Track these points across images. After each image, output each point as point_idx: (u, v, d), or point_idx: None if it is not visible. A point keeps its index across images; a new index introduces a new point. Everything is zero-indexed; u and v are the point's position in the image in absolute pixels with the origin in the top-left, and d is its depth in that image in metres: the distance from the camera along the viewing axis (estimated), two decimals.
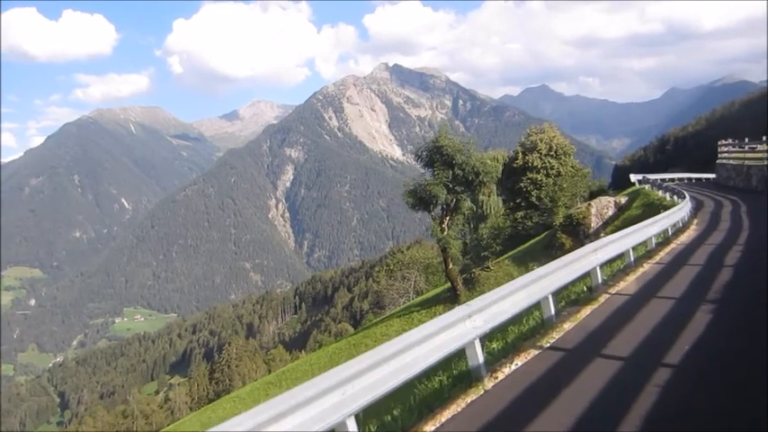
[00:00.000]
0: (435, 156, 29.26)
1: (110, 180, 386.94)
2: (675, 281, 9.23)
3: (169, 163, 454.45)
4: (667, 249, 13.06)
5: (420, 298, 38.92)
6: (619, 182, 68.64)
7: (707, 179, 45.32)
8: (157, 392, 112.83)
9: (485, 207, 49.26)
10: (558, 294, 8.12)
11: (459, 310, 5.65)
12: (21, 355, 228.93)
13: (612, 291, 8.84)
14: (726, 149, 40.16)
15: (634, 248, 11.43)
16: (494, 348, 6.72)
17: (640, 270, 10.55)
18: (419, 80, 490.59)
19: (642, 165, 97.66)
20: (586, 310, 7.83)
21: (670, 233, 15.38)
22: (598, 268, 9.00)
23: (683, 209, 18.24)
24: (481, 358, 5.84)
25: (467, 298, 29.63)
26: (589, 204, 30.90)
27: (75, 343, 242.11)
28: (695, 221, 18.83)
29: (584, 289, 9.06)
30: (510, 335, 7.24)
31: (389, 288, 56.92)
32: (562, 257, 8.09)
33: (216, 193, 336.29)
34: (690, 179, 47.99)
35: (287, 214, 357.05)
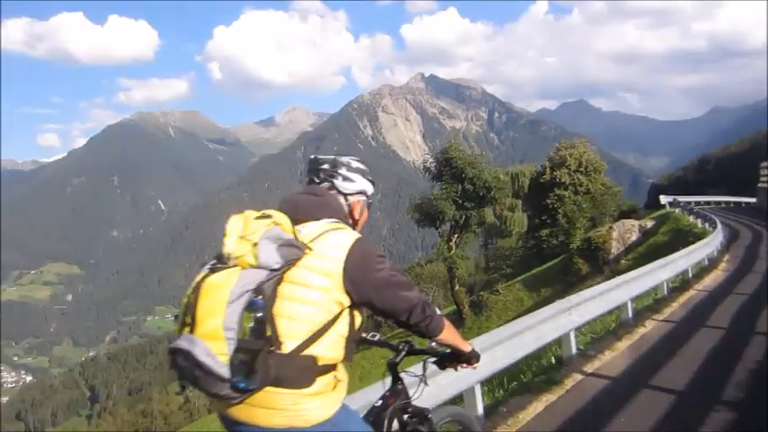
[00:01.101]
0: (444, 168, 27.12)
1: (148, 182, 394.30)
2: (684, 357, 6.58)
3: (205, 167, 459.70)
4: (683, 299, 10.27)
5: None
6: (655, 201, 65.13)
7: (746, 204, 41.76)
8: (183, 391, 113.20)
9: (508, 223, 46.79)
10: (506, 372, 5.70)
11: None
12: (56, 348, 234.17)
13: (589, 368, 6.17)
14: None
15: (636, 298, 8.84)
16: None
17: (639, 332, 7.82)
18: (455, 91, 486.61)
19: (681, 184, 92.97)
20: (538, 405, 5.13)
21: (690, 274, 12.58)
22: (572, 335, 6.47)
23: (710, 243, 15.44)
24: None
25: (472, 322, 27.14)
26: (610, 227, 28.08)
27: (107, 339, 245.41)
28: (726, 258, 15.95)
29: (552, 361, 6.53)
30: None
31: None
32: (514, 322, 5.65)
33: (249, 198, 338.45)
34: (727, 203, 44.49)
35: None
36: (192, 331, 1.89)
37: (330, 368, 2.06)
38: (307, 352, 1.98)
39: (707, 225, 22.76)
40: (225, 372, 1.85)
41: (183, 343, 1.89)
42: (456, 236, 27.56)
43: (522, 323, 5.62)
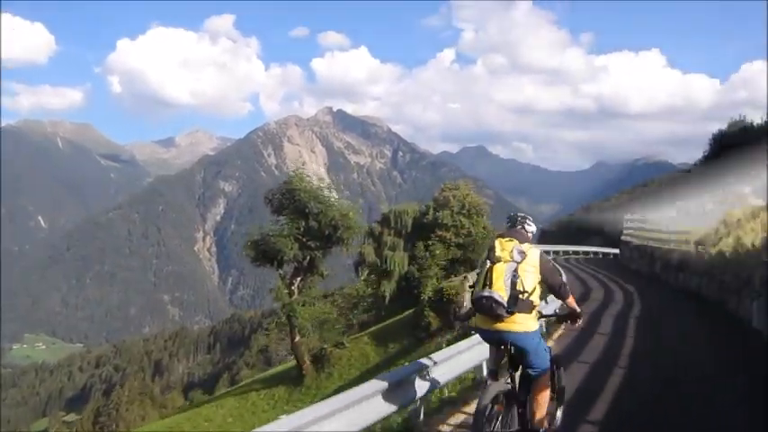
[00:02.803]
0: (286, 201, 24.46)
1: (28, 195, 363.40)
2: None
3: (95, 184, 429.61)
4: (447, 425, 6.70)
5: (270, 371, 33.22)
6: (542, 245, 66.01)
7: (614, 255, 41.92)
8: (47, 431, 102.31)
9: (389, 263, 44.53)
10: None
11: None
12: None
13: None
14: (631, 225, 36.35)
15: None
16: None
17: None
18: (361, 127, 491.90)
19: (567, 231, 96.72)
20: None
21: (485, 372, 8.31)
22: None
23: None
24: None
25: (313, 380, 24.31)
26: (465, 278, 26.27)
27: None
28: (558, 333, 12.31)
29: None
30: None
31: (279, 343, 51.47)
32: None
33: (141, 220, 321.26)
34: (595, 253, 44.92)
35: (214, 248, 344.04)
36: (490, 287, 4.50)
37: (536, 306, 4.66)
38: (530, 298, 4.54)
39: None
40: (505, 303, 4.46)
41: (486, 292, 4.51)
42: (299, 279, 24.75)
43: None
